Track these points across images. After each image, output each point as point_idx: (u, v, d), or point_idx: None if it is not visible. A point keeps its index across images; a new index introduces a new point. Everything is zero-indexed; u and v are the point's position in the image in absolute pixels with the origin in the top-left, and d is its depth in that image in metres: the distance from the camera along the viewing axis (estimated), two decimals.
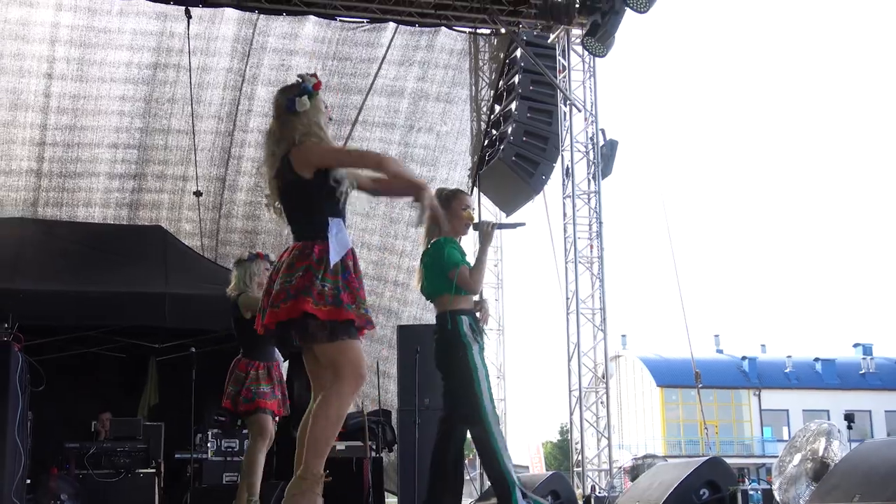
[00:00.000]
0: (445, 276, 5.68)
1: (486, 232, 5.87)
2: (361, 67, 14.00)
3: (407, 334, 10.40)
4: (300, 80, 4.50)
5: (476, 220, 5.98)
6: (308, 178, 4.36)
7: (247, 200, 14.42)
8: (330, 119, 4.63)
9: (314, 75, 4.54)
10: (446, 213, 5.70)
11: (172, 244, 12.44)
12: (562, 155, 13.30)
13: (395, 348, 11.01)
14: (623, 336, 48.25)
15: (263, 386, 6.95)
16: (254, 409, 6.91)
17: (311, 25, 13.53)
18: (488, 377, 5.71)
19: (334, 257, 4.29)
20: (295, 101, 4.43)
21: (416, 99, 14.57)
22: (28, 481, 7.75)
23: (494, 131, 14.45)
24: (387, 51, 13.90)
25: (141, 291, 10.71)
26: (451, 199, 5.85)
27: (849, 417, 5.60)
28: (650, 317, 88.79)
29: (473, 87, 14.87)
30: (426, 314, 13.55)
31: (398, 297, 14.87)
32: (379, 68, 13.97)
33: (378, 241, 14.69)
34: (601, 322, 12.72)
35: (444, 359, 5.76)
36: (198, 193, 13.47)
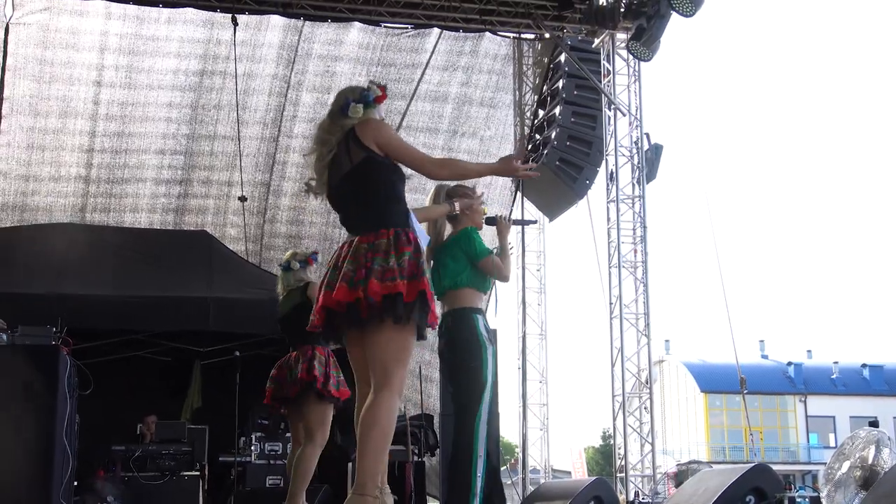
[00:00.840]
0: (472, 266, 5.57)
1: (503, 224, 5.87)
2: (405, 73, 14.05)
3: None
4: (366, 87, 4.41)
5: (489, 215, 5.90)
6: (382, 154, 4.24)
7: (291, 205, 14.52)
8: None
9: (383, 87, 4.44)
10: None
11: (217, 249, 12.49)
12: (606, 159, 13.24)
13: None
14: (667, 341, 48.00)
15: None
16: (349, 395, 6.25)
17: (355, 32, 13.60)
18: (496, 386, 5.58)
19: (424, 246, 4.26)
20: (350, 105, 4.35)
21: (460, 104, 14.59)
22: (75, 483, 7.82)
23: (538, 136, 14.41)
24: (431, 56, 13.94)
25: (185, 296, 10.78)
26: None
27: (873, 424, 5.55)
28: (694, 322, 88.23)
29: (517, 92, 14.84)
30: None
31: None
32: (423, 74, 14.03)
33: None
34: (645, 327, 12.64)
35: (458, 358, 5.52)
36: (243, 198, 13.53)
